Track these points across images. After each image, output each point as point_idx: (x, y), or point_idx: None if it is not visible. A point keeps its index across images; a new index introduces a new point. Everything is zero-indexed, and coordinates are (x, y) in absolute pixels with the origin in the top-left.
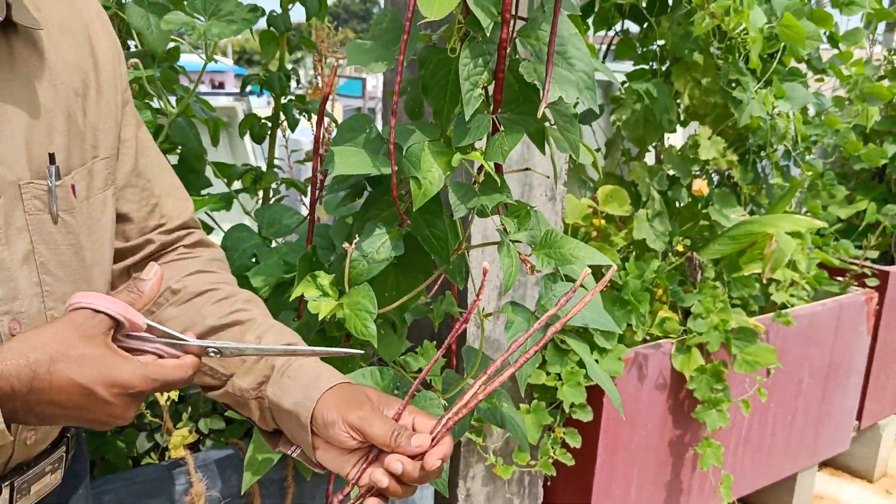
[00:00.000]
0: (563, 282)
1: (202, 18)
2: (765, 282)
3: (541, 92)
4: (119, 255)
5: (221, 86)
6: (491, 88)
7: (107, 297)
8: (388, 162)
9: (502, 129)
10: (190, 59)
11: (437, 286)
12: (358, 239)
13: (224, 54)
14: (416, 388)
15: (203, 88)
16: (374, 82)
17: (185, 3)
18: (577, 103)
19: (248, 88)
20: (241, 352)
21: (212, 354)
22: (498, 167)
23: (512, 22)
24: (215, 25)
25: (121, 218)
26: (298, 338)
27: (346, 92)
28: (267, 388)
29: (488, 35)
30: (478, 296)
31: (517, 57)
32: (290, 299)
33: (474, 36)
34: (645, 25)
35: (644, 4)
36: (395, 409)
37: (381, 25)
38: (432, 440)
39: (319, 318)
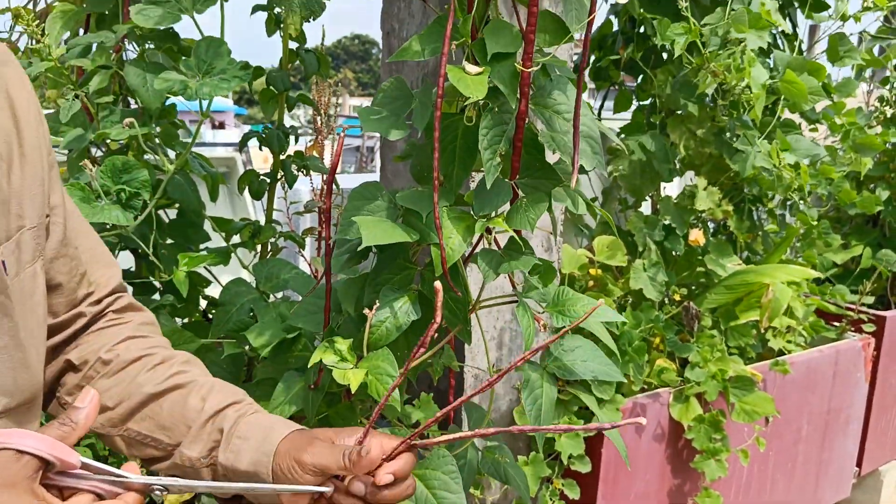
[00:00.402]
0: (571, 335)
1: (196, 77)
2: (762, 330)
3: (569, 162)
4: (48, 332)
5: (222, 125)
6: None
7: (33, 434)
8: (410, 230)
9: (521, 195)
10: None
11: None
12: (377, 304)
13: (224, 94)
14: (377, 414)
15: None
16: None
17: (180, 62)
18: None
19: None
20: (192, 488)
21: (157, 492)
22: (518, 231)
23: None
24: (207, 84)
25: (50, 290)
26: (243, 393)
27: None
28: (219, 454)
29: (512, 107)
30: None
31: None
32: (309, 365)
33: (492, 106)
34: (641, 79)
35: (640, 57)
36: (356, 437)
37: (388, 92)
38: (389, 456)
39: (351, 388)
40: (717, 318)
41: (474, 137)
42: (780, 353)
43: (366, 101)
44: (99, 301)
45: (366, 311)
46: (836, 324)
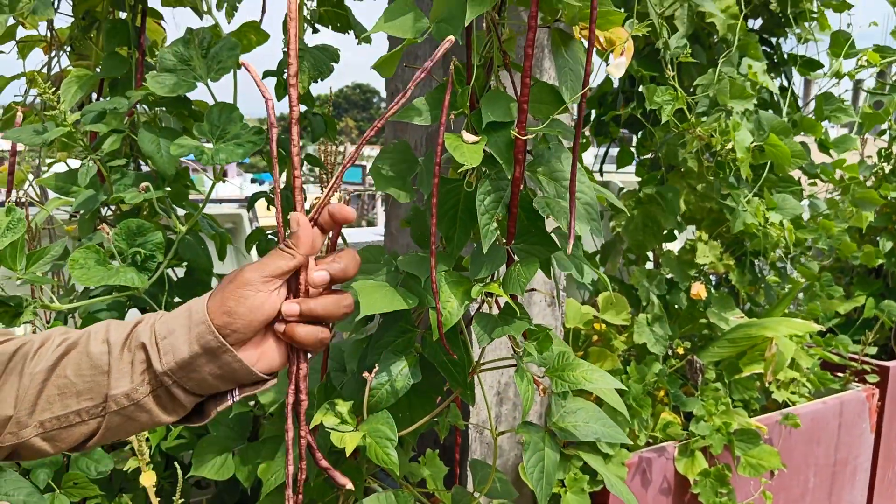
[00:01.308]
0: (573, 397)
1: (209, 143)
2: (767, 384)
3: (566, 227)
4: None
5: (224, 174)
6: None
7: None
8: (409, 295)
9: (517, 259)
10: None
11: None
12: (378, 367)
13: (239, 160)
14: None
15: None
16: None
17: (194, 126)
18: None
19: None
20: None
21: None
22: (514, 296)
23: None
24: (222, 150)
25: None
26: (143, 317)
27: (347, 178)
28: (155, 366)
29: (508, 175)
30: None
31: (524, 189)
32: (310, 427)
33: (488, 173)
34: (641, 135)
35: (640, 113)
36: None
37: (392, 155)
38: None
39: (346, 452)
40: (721, 372)
41: (475, 203)
42: (785, 404)
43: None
44: None
45: (365, 374)
46: (840, 374)
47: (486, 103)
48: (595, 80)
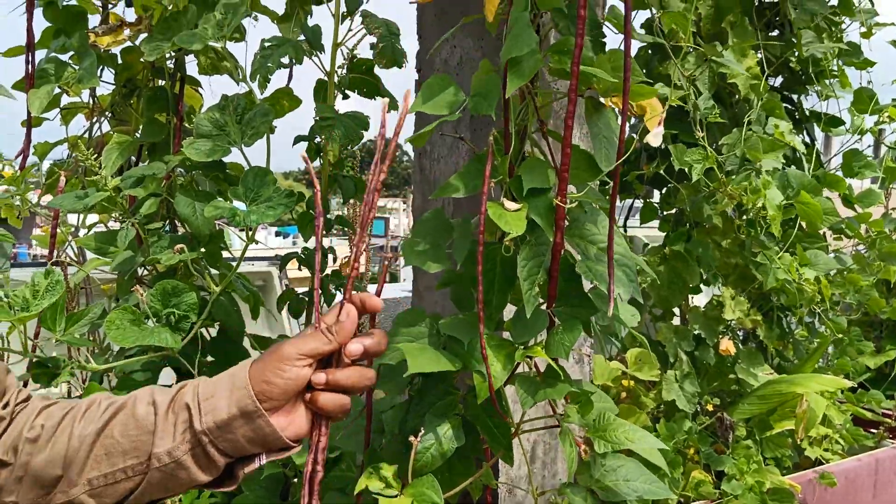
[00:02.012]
0: (612, 453)
1: (243, 205)
2: (799, 441)
3: (606, 291)
4: None
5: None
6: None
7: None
8: (453, 357)
9: (558, 322)
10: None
11: None
12: (423, 430)
13: (271, 221)
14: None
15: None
16: (396, 221)
17: (228, 190)
18: None
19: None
20: None
21: None
22: (555, 359)
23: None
24: (255, 212)
25: None
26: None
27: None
28: (195, 425)
29: (549, 239)
30: None
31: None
32: (355, 493)
33: (530, 239)
34: (664, 191)
35: (663, 170)
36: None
37: (427, 224)
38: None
39: None
40: (752, 429)
41: (512, 267)
42: (818, 462)
43: (389, 202)
44: (7, 403)
45: (411, 438)
46: (874, 431)
47: (526, 171)
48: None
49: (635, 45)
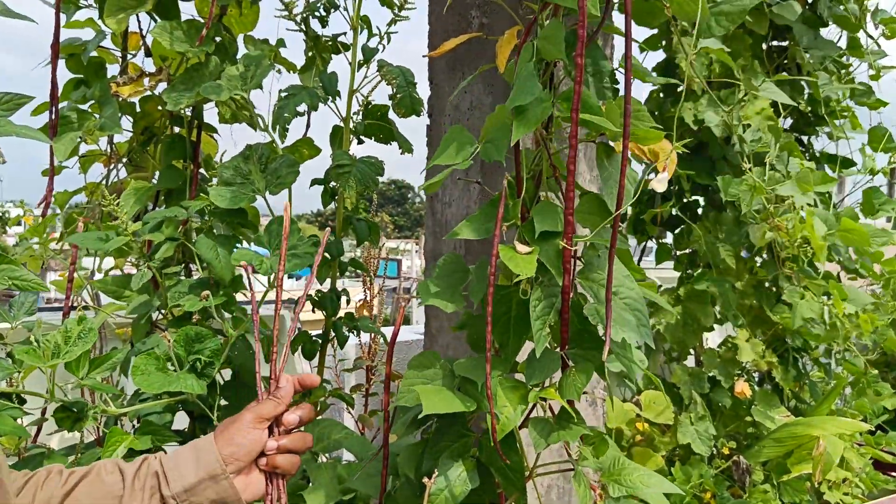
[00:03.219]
0: (624, 498)
1: (266, 252)
2: (817, 485)
3: (614, 335)
4: None
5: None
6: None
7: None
8: (467, 398)
9: (571, 364)
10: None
11: None
12: (436, 473)
13: (296, 270)
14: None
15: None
16: (409, 263)
17: (252, 236)
18: None
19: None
20: None
21: None
22: (570, 401)
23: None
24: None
25: None
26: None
27: (381, 273)
28: (163, 490)
29: (559, 283)
30: None
31: (576, 295)
32: None
33: (542, 280)
34: (678, 232)
35: (675, 212)
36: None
37: (445, 267)
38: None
39: None
40: (769, 472)
41: (528, 310)
42: None
43: (402, 244)
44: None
45: (425, 480)
46: (894, 474)
47: (538, 214)
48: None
49: (646, 87)
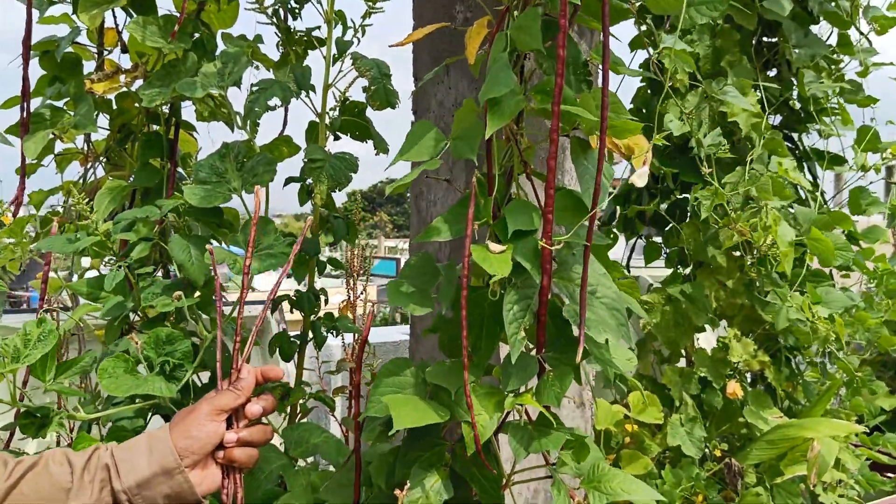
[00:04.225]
0: None
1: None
2: (812, 487)
3: (577, 335)
4: None
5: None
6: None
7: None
8: (440, 408)
9: (549, 368)
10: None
11: None
12: (409, 483)
13: (272, 269)
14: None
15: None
16: None
17: (228, 236)
18: None
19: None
20: None
21: None
22: (547, 406)
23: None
24: (255, 260)
25: None
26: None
27: (380, 272)
28: (114, 484)
29: (537, 282)
30: None
31: (552, 297)
32: None
33: (516, 282)
34: (667, 230)
35: (665, 209)
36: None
37: (415, 268)
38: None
39: None
40: (762, 475)
41: (500, 311)
42: None
43: (400, 242)
44: None
45: (396, 491)
46: (891, 475)
47: (511, 213)
48: (622, 173)
49: (633, 85)
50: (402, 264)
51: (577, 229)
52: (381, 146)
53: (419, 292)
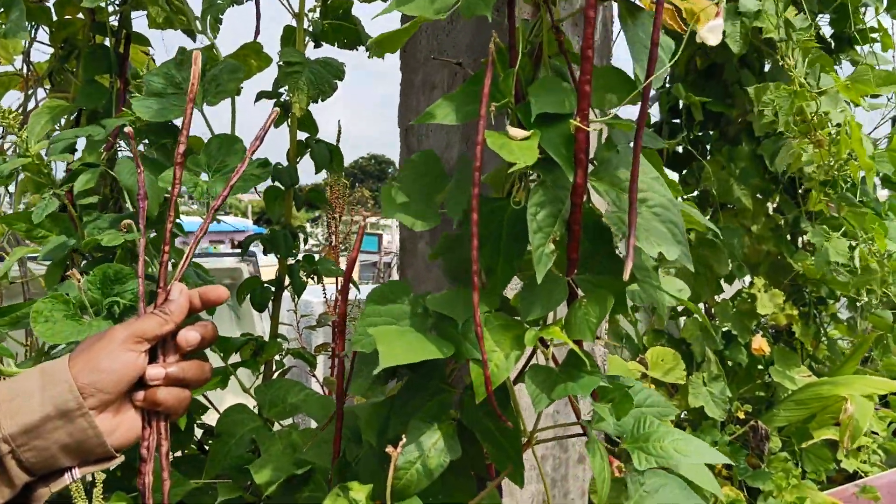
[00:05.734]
0: (654, 472)
1: (206, 175)
2: (845, 453)
3: (625, 247)
4: None
5: (240, 245)
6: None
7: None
8: (442, 342)
9: (581, 294)
10: (196, 220)
11: None
12: (404, 440)
13: (244, 214)
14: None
15: (224, 249)
16: (389, 237)
17: (188, 159)
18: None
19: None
20: None
21: None
22: (579, 342)
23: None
24: (220, 182)
25: None
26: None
27: (363, 247)
28: None
29: (570, 179)
30: None
31: (588, 203)
32: None
33: (544, 179)
34: (685, 172)
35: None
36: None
37: (416, 167)
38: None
39: None
40: (789, 438)
41: (524, 225)
42: (855, 474)
43: (382, 220)
44: None
45: (389, 449)
46: None
47: (536, 92)
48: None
49: None
50: (384, 240)
51: (617, 116)
52: (372, 41)
53: (421, 200)
